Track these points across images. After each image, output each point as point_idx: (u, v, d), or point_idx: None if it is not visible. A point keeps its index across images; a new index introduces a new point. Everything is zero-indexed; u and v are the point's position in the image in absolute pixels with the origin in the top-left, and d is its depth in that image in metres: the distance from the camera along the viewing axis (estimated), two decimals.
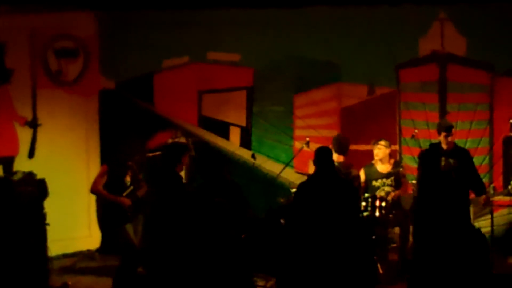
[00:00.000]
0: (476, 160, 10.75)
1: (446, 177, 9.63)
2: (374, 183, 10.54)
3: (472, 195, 10.01)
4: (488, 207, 10.45)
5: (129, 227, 9.47)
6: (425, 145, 11.26)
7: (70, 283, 9.77)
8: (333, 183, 8.16)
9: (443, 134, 9.92)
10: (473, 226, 7.45)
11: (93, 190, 9.86)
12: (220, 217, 7.05)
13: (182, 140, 12.38)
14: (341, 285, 7.72)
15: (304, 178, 9.19)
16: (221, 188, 8.04)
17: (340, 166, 9.90)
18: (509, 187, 10.96)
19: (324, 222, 7.70)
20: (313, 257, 7.64)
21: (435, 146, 10.03)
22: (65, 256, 11.45)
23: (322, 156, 8.32)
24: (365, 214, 9.96)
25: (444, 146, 9.89)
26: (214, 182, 8.18)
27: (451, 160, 9.82)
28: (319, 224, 7.70)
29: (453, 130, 9.91)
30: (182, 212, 8.21)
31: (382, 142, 10.63)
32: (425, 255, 7.38)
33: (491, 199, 10.37)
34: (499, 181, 11.69)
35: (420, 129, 11.58)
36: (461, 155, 9.92)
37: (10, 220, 8.37)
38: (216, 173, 8.33)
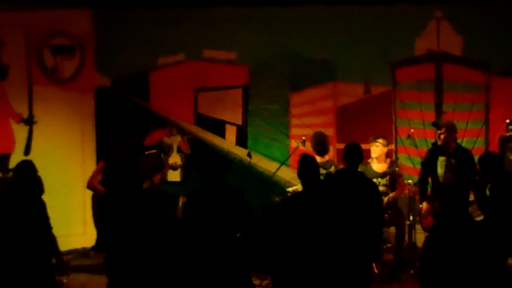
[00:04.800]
0: None
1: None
2: None
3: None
4: None
5: None
6: (421, 144, 11.29)
7: (65, 280, 9.74)
8: (357, 181, 8.17)
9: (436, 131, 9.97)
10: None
11: (89, 186, 9.89)
12: (210, 215, 7.01)
13: (177, 138, 12.39)
14: (336, 284, 7.71)
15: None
16: (220, 192, 7.93)
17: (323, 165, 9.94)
18: None
19: (326, 222, 7.68)
20: (309, 256, 7.63)
21: (438, 145, 10.04)
22: None
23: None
24: None
25: (439, 143, 9.88)
26: (212, 187, 8.05)
27: (452, 160, 9.83)
28: (318, 223, 7.68)
29: (443, 128, 9.87)
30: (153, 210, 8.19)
31: (380, 140, 10.58)
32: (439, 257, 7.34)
33: None
34: None
35: (416, 129, 11.59)
36: (463, 156, 9.90)
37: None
38: (217, 178, 8.16)
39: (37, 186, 8.50)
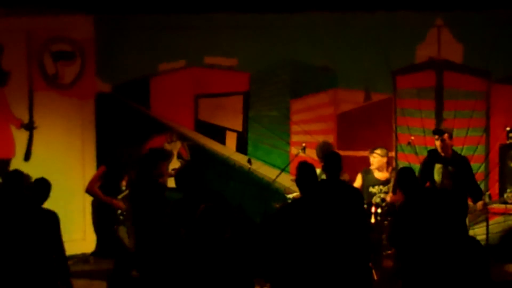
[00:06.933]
0: (472, 167, 10.72)
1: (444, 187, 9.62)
2: (371, 189, 10.51)
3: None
4: (484, 214, 10.44)
5: (122, 230, 9.44)
6: (421, 152, 11.27)
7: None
8: (339, 189, 8.13)
9: (435, 138, 9.95)
10: (470, 236, 7.41)
11: (89, 190, 9.87)
12: (211, 220, 7.00)
13: (178, 144, 12.39)
14: None
15: None
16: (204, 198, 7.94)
17: None
18: (505, 195, 10.94)
19: (324, 229, 7.66)
20: (309, 263, 7.62)
21: (434, 153, 10.02)
22: None
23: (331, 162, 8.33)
24: None
25: (439, 151, 9.88)
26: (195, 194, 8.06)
27: (449, 167, 9.83)
28: (316, 230, 7.66)
29: (446, 135, 9.87)
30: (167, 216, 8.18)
31: (378, 151, 10.58)
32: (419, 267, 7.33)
33: (488, 206, 10.35)
34: (495, 188, 11.69)
35: (416, 136, 11.60)
36: (459, 162, 9.90)
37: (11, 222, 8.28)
38: (196, 185, 8.19)
39: (28, 196, 8.35)
